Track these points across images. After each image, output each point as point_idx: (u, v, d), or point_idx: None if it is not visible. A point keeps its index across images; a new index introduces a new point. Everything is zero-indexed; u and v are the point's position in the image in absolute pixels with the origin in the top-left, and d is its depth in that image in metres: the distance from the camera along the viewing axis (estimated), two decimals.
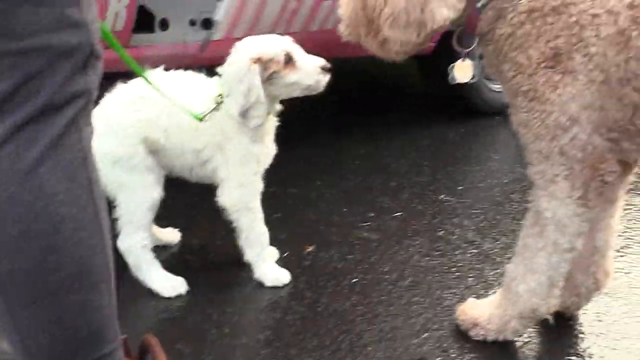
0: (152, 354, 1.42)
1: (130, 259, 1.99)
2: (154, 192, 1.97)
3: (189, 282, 2.04)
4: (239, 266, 2.10)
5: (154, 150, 1.97)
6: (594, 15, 1.43)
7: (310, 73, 1.93)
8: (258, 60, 1.88)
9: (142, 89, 1.91)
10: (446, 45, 1.82)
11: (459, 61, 1.71)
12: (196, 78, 2.03)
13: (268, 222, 2.12)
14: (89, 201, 1.10)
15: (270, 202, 2.16)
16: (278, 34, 2.00)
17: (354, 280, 2.12)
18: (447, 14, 1.49)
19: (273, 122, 2.04)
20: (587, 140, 1.50)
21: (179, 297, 2.01)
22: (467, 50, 1.67)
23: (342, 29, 1.62)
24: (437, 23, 1.48)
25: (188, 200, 2.59)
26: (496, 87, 3.74)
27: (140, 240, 1.97)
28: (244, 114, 1.89)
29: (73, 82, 1.06)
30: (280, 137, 2.11)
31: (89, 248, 1.11)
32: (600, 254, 1.86)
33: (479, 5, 1.53)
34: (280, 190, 2.78)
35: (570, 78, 1.44)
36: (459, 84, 1.78)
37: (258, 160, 2.00)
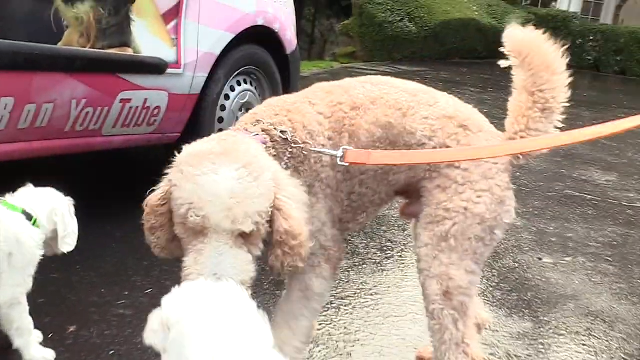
0: None
1: None
2: None
3: None
4: (10, 352, 2.39)
5: None
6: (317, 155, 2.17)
7: None
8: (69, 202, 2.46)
9: None
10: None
11: None
12: None
13: (34, 307, 2.45)
14: None
15: (34, 287, 2.50)
16: None
17: (112, 352, 2.56)
18: None
19: None
20: (332, 234, 2.24)
21: None
22: None
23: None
24: None
25: None
26: None
27: None
28: None
29: None
30: None
31: None
32: None
33: None
34: (42, 276, 3.06)
35: (316, 198, 2.17)
36: None
37: (36, 263, 2.38)
